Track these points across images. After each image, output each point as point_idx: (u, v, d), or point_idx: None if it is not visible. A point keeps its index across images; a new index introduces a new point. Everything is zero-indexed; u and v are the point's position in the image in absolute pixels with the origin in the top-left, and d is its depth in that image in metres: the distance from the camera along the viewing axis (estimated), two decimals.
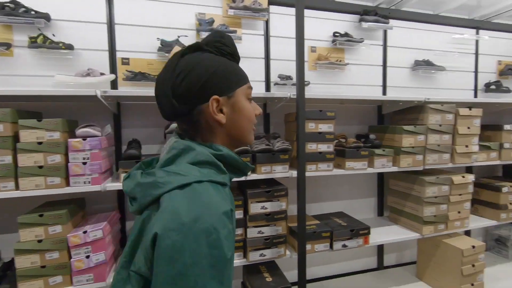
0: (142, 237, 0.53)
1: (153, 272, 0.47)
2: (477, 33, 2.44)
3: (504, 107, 2.28)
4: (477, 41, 2.45)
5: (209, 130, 0.64)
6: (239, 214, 1.53)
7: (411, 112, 2.00)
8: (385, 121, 2.27)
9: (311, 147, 1.63)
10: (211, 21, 1.75)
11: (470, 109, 1.94)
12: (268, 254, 1.58)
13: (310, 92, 2.00)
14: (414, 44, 2.28)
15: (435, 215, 1.90)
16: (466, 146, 1.95)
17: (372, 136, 1.93)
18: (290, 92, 1.58)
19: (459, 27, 2.38)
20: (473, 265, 1.89)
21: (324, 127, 1.65)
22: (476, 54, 2.46)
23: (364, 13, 2.02)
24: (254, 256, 1.55)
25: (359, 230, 1.72)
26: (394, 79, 2.24)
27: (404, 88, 2.27)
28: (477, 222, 2.10)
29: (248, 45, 1.88)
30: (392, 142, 1.88)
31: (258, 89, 1.92)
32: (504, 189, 2.06)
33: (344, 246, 1.71)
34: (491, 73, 2.53)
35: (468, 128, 1.94)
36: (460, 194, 1.95)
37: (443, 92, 2.39)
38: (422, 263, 2.14)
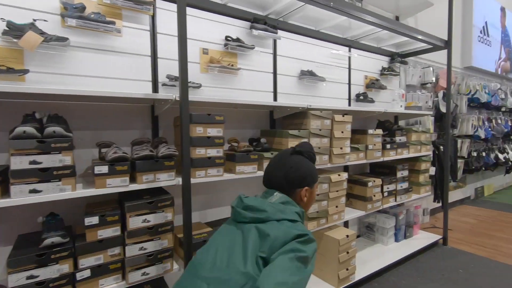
0: (262, 240, 0.89)
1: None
2: (350, 50, 2.85)
3: (369, 114, 2.71)
4: (349, 58, 2.86)
5: (297, 199, 1.10)
6: (115, 231, 1.34)
7: (297, 117, 2.16)
8: (277, 125, 2.40)
9: (200, 152, 1.56)
10: (81, 7, 1.49)
11: (343, 116, 2.22)
12: (152, 271, 1.42)
13: (202, 95, 1.94)
14: (300, 55, 2.50)
15: (317, 211, 2.09)
16: (341, 148, 2.22)
17: (263, 140, 2.00)
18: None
19: (336, 44, 2.73)
20: (347, 252, 2.16)
21: (213, 131, 1.61)
22: (349, 68, 2.87)
23: (254, 20, 2.08)
24: (135, 277, 1.38)
25: None
26: (284, 86, 2.40)
27: (292, 95, 2.46)
28: (351, 214, 2.42)
29: (130, 40, 1.69)
30: (280, 146, 1.99)
31: (144, 89, 1.75)
32: (369, 184, 2.44)
33: None
34: (360, 86, 2.99)
35: (342, 132, 2.22)
36: (337, 191, 2.22)
37: (325, 100, 2.68)
38: None
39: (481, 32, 4.60)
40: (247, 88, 2.19)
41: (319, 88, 2.63)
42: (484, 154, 4.56)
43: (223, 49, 2.05)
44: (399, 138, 2.74)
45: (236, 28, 2.12)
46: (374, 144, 2.48)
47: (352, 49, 2.87)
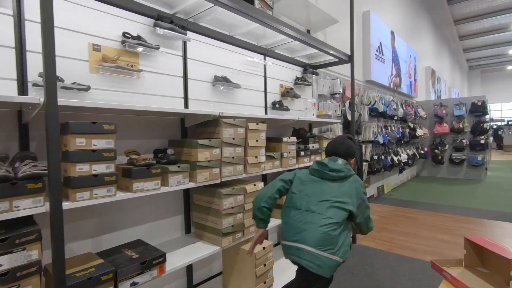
0: (348, 194, 1.56)
1: (361, 201, 1.60)
2: (265, 59, 2.86)
3: (284, 122, 2.75)
4: (265, 66, 2.87)
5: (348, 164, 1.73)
6: None
7: (210, 126, 2.02)
8: (190, 134, 2.21)
9: (82, 168, 1.27)
10: None
11: (257, 124, 2.17)
12: None
13: (89, 99, 1.63)
14: (214, 60, 2.37)
15: (233, 225, 1.97)
16: (256, 157, 2.16)
17: (170, 151, 1.79)
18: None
19: (251, 51, 2.70)
20: (264, 265, 2.09)
21: (100, 143, 1.33)
22: (265, 76, 2.88)
23: (158, 18, 1.87)
24: None
25: (152, 261, 1.50)
26: (196, 91, 2.23)
27: (206, 102, 2.31)
28: (269, 223, 2.37)
29: None
30: (189, 157, 1.81)
31: (7, 90, 1.36)
32: None
33: (134, 284, 1.44)
34: (276, 94, 3.04)
35: (257, 141, 2.16)
36: (253, 202, 2.14)
37: (241, 107, 2.62)
38: (227, 273, 2.19)
39: (377, 51, 5.29)
40: (153, 93, 1.95)
41: (234, 95, 2.55)
42: (383, 157, 5.20)
43: (121, 46, 1.77)
44: (312, 145, 2.86)
45: (138, 24, 1.87)
46: (289, 152, 2.51)
47: (267, 58, 2.89)
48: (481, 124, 7.18)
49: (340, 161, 1.68)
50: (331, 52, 2.94)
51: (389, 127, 5.56)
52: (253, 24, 2.27)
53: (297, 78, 3.26)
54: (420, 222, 4.06)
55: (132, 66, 1.77)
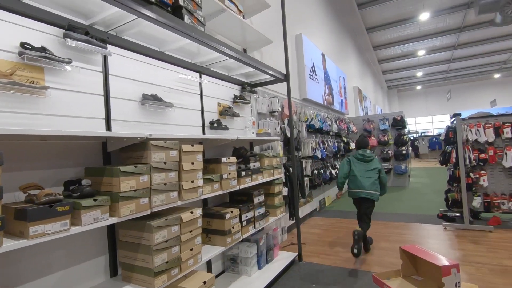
0: (377, 166, 3.46)
1: (381, 166, 3.49)
2: (200, 76, 2.74)
3: (224, 142, 2.63)
4: (200, 84, 2.74)
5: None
6: None
7: (137, 150, 1.79)
8: (114, 160, 1.94)
9: None
10: None
11: (192, 146, 2.01)
12: None
13: None
14: (143, 77, 2.16)
15: (167, 261, 1.73)
16: (192, 181, 1.98)
17: (85, 181, 1.51)
18: None
19: (185, 68, 2.56)
20: None
21: None
22: (201, 95, 2.75)
23: (69, 28, 1.62)
24: None
25: None
26: (121, 112, 1.98)
27: (133, 123, 2.07)
28: (210, 252, 2.18)
29: None
30: (110, 187, 1.55)
31: None
32: (227, 216, 2.30)
33: None
34: (214, 113, 2.92)
35: (193, 163, 1.99)
36: (191, 231, 1.93)
37: (175, 128, 2.42)
38: None
39: (311, 71, 5.61)
40: (65, 114, 1.65)
41: (167, 115, 2.35)
42: (322, 171, 5.42)
43: (18, 59, 1.47)
44: (253, 164, 2.78)
45: (44, 35, 1.60)
46: (229, 173, 2.39)
47: (203, 75, 2.78)
48: (402, 137, 8.09)
49: (368, 150, 3.55)
50: (268, 71, 2.96)
51: (326, 142, 5.86)
52: (185, 40, 2.15)
53: (235, 97, 3.20)
54: None
55: (34, 82, 1.48)
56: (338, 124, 6.55)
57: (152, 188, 1.69)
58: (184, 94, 2.54)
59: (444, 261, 1.50)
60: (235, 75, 3.25)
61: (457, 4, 9.98)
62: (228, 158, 2.39)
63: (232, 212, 2.38)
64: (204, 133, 2.74)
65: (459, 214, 4.51)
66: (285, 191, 3.68)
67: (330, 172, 5.76)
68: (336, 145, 6.33)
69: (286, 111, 4.24)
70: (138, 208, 1.60)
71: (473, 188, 4.18)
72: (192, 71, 2.65)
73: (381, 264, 3.08)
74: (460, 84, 20.54)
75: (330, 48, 7.68)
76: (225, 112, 2.96)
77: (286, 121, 4.15)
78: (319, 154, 5.19)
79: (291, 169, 3.84)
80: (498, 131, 4.17)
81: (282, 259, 3.18)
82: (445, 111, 21.15)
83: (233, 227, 2.37)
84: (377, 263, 3.12)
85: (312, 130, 5.23)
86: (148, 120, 2.17)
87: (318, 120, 5.34)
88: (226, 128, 2.89)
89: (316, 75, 5.89)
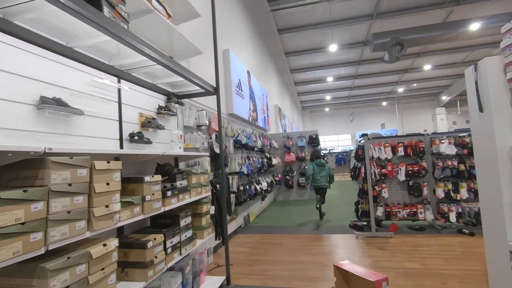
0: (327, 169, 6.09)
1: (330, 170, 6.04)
2: (119, 81, 2.38)
3: (146, 158, 2.30)
4: (119, 90, 2.37)
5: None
6: None
7: (29, 168, 1.36)
8: None
9: None
10: None
11: (108, 162, 1.66)
12: None
13: None
14: (43, 75, 1.72)
15: None
16: (107, 206, 1.62)
17: None
18: None
19: (101, 70, 2.18)
20: None
21: None
22: (120, 103, 2.37)
23: None
24: None
25: None
26: (5, 118, 1.51)
27: (25, 132, 1.60)
28: None
29: None
30: None
31: None
32: (149, 244, 1.97)
33: None
34: (135, 124, 2.56)
35: (108, 184, 1.64)
36: (103, 269, 1.56)
37: (88, 141, 2.00)
38: None
39: (237, 86, 5.64)
40: None
41: (75, 124, 1.92)
42: (247, 187, 5.39)
43: None
44: (180, 183, 2.51)
45: None
46: (153, 194, 2.07)
47: (122, 81, 2.42)
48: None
49: (322, 160, 6.10)
50: (197, 82, 2.78)
51: (251, 158, 5.90)
52: (102, 36, 1.82)
53: (160, 107, 2.90)
54: (284, 246, 4.32)
55: None
56: (262, 140, 6.72)
57: (49, 218, 1.29)
58: (98, 101, 2.14)
59: (375, 276, 1.56)
60: (160, 84, 2.95)
61: (356, 41, 11.75)
62: (152, 177, 2.08)
63: (155, 239, 2.05)
64: (122, 147, 2.35)
65: (366, 223, 5.06)
66: (212, 209, 3.47)
67: (255, 188, 5.79)
68: (260, 160, 6.45)
69: (214, 126, 4.09)
70: (26, 248, 1.19)
71: (378, 199, 4.76)
72: (109, 75, 2.27)
73: (307, 279, 3.14)
74: (359, 108, 24.09)
75: (254, 66, 7.96)
76: (148, 123, 2.63)
77: (213, 136, 3.99)
78: (245, 170, 5.16)
79: (218, 186, 3.67)
80: (394, 150, 4.91)
81: (210, 285, 2.92)
82: (348, 131, 24.35)
83: (156, 257, 2.04)
84: (302, 278, 3.17)
85: (238, 145, 5.19)
86: (47, 129, 1.72)
87: (244, 135, 5.34)
88: (149, 142, 2.56)
89: (242, 91, 5.95)
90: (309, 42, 11.56)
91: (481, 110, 2.38)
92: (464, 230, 4.40)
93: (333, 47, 11.53)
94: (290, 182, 8.80)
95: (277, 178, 8.07)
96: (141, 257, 1.95)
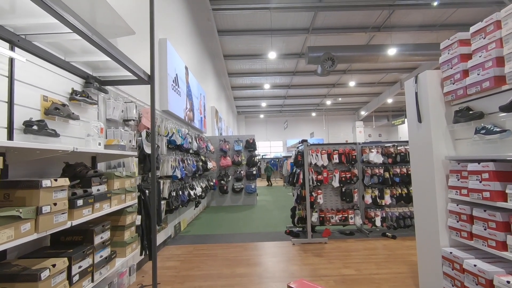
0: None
1: None
2: (12, 49, 1.74)
3: (49, 154, 1.71)
4: (11, 60, 1.74)
5: None
6: None
7: None
8: None
9: None
10: None
11: None
12: None
13: None
14: None
15: None
16: None
17: None
18: None
19: None
20: None
21: None
22: (11, 78, 1.73)
23: None
24: None
25: None
26: None
27: None
28: None
29: None
30: None
31: None
32: (44, 274, 1.41)
33: None
34: (34, 109, 1.92)
35: None
36: None
37: None
38: None
39: (173, 81, 5.11)
40: None
41: None
42: (180, 192, 4.88)
43: None
44: (97, 188, 1.97)
45: None
46: (55, 204, 1.52)
47: (17, 49, 1.78)
48: (253, 158, 8.73)
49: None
50: (128, 65, 2.27)
51: (185, 161, 5.40)
52: None
53: (74, 92, 2.28)
54: (219, 257, 3.97)
55: None
56: (198, 142, 6.26)
57: None
58: None
59: None
60: (76, 62, 2.34)
61: (293, 52, 12.24)
62: (55, 180, 1.53)
63: (54, 265, 1.50)
64: (11, 137, 1.71)
65: (301, 229, 5.07)
66: (138, 219, 2.93)
67: (189, 193, 5.30)
68: (196, 164, 5.98)
69: (145, 122, 3.53)
70: None
71: (314, 205, 4.81)
72: None
73: None
74: (291, 117, 25.29)
75: (193, 63, 7.46)
76: (56, 111, 2.02)
77: (143, 133, 3.43)
78: (178, 174, 4.65)
79: (147, 192, 3.13)
80: (330, 157, 5.05)
81: None
82: (280, 138, 25.30)
83: None
84: None
85: (172, 146, 4.66)
86: None
87: (179, 135, 4.84)
88: (54, 134, 1.95)
89: (179, 87, 5.43)
90: (248, 47, 11.55)
91: (419, 120, 2.49)
92: (387, 233, 4.74)
93: (272, 55, 11.76)
94: (225, 187, 8.48)
95: (212, 183, 7.67)
96: None
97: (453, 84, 2.26)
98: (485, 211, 1.97)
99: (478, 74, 2.04)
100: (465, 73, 2.18)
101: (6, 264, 1.53)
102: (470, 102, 2.22)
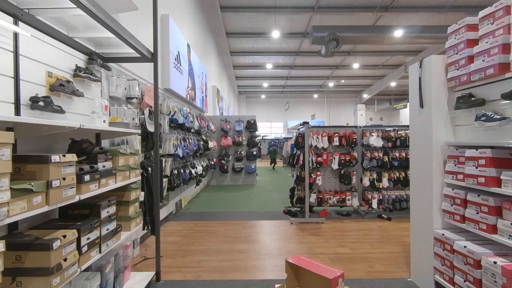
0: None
1: None
2: (16, 23, 1.73)
3: (56, 130, 1.75)
4: (16, 35, 1.73)
5: None
6: None
7: None
8: None
9: None
10: None
11: None
12: None
13: None
14: None
15: None
16: None
17: None
18: None
19: None
20: None
21: None
22: (16, 53, 1.74)
23: None
24: None
25: None
26: None
27: None
28: None
29: None
30: None
31: None
32: (55, 244, 1.49)
33: None
34: (39, 85, 1.94)
35: None
36: None
37: None
38: None
39: (176, 59, 5.05)
40: None
41: None
42: (182, 170, 4.96)
43: None
44: (102, 165, 2.02)
45: None
46: (64, 178, 1.58)
47: (21, 24, 1.77)
48: (253, 139, 8.78)
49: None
50: (131, 41, 2.25)
51: (187, 140, 5.45)
52: None
53: (78, 69, 2.28)
54: (219, 234, 4.11)
55: None
56: (199, 121, 6.28)
57: None
58: None
59: (331, 273, 1.46)
60: (79, 38, 2.32)
61: (297, 31, 11.96)
62: (63, 156, 1.58)
63: (64, 236, 1.58)
64: (18, 113, 1.74)
65: (299, 209, 5.20)
66: (141, 196, 3.01)
67: (190, 172, 5.39)
68: (197, 143, 6.04)
69: (147, 100, 3.53)
70: None
71: (312, 187, 4.90)
72: (1, 12, 1.61)
73: (245, 269, 3.00)
74: (292, 98, 25.11)
75: (195, 41, 7.33)
76: (61, 87, 2.03)
77: (146, 112, 3.45)
78: (180, 152, 4.71)
79: (150, 169, 3.20)
80: (330, 139, 5.09)
81: (135, 283, 2.53)
82: (281, 120, 25.24)
83: (65, 260, 1.58)
84: (240, 268, 3.01)
85: (174, 125, 4.69)
86: None
87: (181, 114, 4.85)
88: (60, 111, 1.98)
89: (181, 65, 5.38)
90: (251, 25, 11.26)
91: (421, 105, 2.51)
92: (383, 215, 4.88)
93: (275, 33, 11.50)
94: (225, 167, 8.59)
95: (212, 162, 7.77)
96: (43, 261, 1.46)
97: (458, 70, 2.25)
98: (478, 195, 2.03)
99: (483, 61, 2.03)
100: (470, 59, 2.17)
101: (19, 234, 1.61)
102: (473, 89, 2.22)
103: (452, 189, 2.28)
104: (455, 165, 2.25)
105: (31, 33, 1.83)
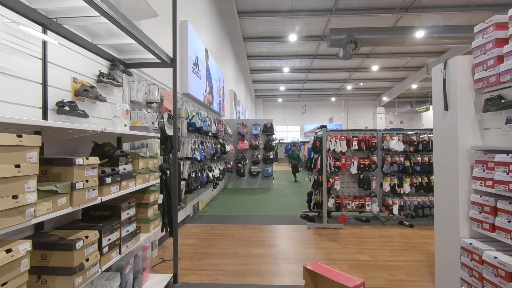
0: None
1: None
2: (45, 32, 1.81)
3: (80, 134, 1.81)
4: (45, 43, 1.82)
5: None
6: None
7: None
8: None
9: None
10: None
11: (20, 137, 1.19)
12: None
13: None
14: None
15: None
16: (14, 196, 1.16)
17: None
18: None
19: (17, 13, 1.60)
20: None
21: None
22: (44, 60, 1.82)
23: None
24: None
25: None
26: None
27: None
28: None
29: None
30: None
31: None
32: (78, 244, 1.54)
33: None
34: (65, 91, 2.02)
35: (18, 166, 1.18)
36: (4, 284, 1.12)
37: None
38: None
39: (194, 64, 5.14)
40: None
41: None
42: (199, 174, 5.02)
43: None
44: (123, 168, 2.07)
45: None
46: (87, 180, 1.63)
47: (50, 32, 1.85)
48: (270, 142, 8.76)
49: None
50: (151, 47, 2.31)
51: (204, 143, 5.51)
52: None
53: (101, 74, 2.37)
54: (236, 237, 4.10)
55: None
56: (216, 125, 6.34)
57: None
58: (11, 53, 1.58)
59: (351, 281, 1.41)
60: (102, 45, 2.41)
61: (314, 34, 11.87)
62: (87, 158, 1.63)
63: (86, 237, 1.63)
64: (45, 117, 1.82)
65: (317, 214, 5.12)
66: (160, 198, 3.06)
67: (207, 175, 5.44)
68: (214, 146, 6.09)
69: (166, 104, 3.61)
70: None
71: (330, 191, 4.81)
72: (30, 21, 1.70)
73: (261, 273, 2.97)
74: (309, 102, 24.90)
75: (213, 46, 7.44)
76: (85, 92, 2.11)
77: (165, 115, 3.51)
78: (198, 156, 4.76)
79: (168, 172, 3.25)
80: (348, 143, 4.99)
81: (153, 285, 2.56)
82: (297, 123, 25.07)
83: (87, 260, 1.62)
84: (256, 272, 2.99)
85: (192, 129, 4.76)
86: None
87: (199, 118, 4.92)
88: (84, 115, 2.05)
89: (199, 70, 5.46)
90: (268, 29, 11.30)
91: (446, 108, 2.41)
92: (404, 222, 4.71)
93: (292, 37, 11.48)
94: (242, 170, 8.61)
95: (229, 166, 7.80)
96: (66, 261, 1.51)
97: (485, 70, 2.14)
98: (510, 203, 1.91)
99: None
100: (500, 59, 2.06)
101: (45, 234, 1.67)
102: (502, 90, 2.11)
103: (480, 196, 2.16)
104: (484, 171, 2.13)
105: (58, 41, 1.91)
